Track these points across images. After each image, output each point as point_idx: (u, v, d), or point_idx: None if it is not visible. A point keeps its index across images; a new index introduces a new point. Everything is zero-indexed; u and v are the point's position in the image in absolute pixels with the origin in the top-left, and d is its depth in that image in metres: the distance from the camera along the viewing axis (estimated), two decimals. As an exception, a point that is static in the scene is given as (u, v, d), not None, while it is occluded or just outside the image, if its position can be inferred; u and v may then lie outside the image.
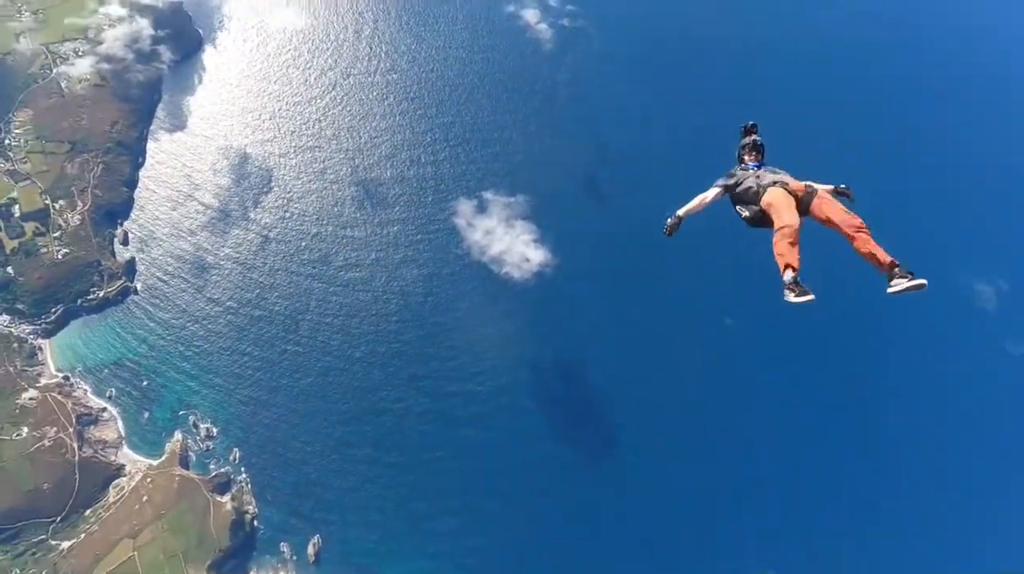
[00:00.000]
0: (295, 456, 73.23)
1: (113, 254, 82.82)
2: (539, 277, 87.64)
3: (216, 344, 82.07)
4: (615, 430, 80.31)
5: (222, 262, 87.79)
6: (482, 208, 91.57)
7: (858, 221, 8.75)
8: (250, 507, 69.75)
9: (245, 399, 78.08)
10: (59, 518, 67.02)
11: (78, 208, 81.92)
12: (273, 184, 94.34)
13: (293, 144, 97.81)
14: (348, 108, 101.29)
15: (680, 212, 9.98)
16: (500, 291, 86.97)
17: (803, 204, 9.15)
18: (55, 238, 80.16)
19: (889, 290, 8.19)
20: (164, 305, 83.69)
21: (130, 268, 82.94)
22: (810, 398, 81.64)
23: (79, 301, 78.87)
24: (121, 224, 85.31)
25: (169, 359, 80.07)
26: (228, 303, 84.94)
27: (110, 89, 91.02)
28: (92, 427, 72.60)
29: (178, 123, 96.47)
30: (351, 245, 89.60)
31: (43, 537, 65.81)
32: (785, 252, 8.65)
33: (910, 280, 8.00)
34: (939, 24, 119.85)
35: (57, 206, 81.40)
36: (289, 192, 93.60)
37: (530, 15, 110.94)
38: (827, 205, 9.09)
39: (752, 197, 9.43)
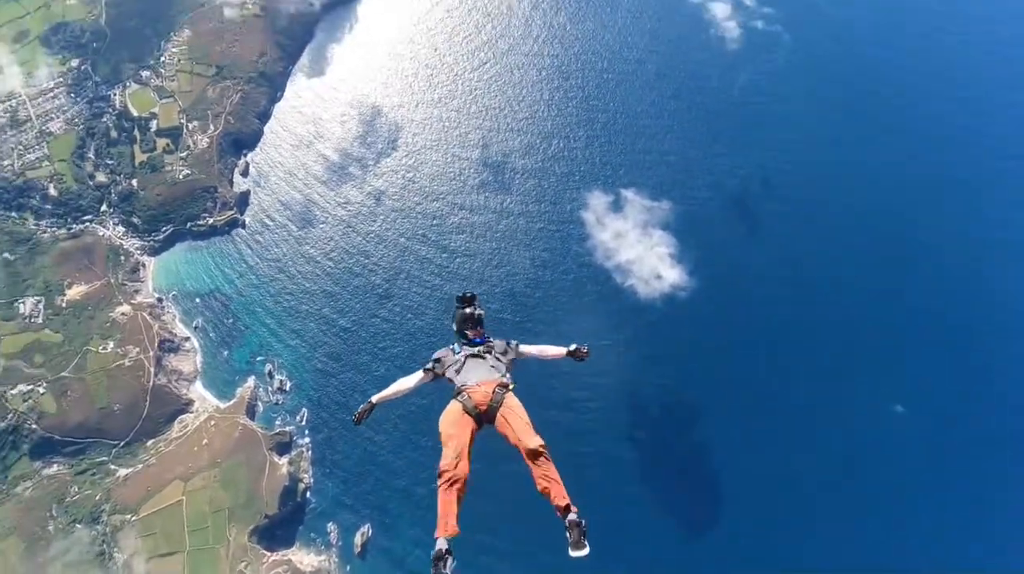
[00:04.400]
0: (364, 434, 74.03)
1: (231, 183, 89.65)
2: (669, 301, 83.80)
3: (304, 303, 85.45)
4: (720, 506, 74.46)
5: (329, 218, 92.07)
6: (617, 206, 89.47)
7: (539, 448, 8.38)
8: (305, 476, 71.05)
9: (323, 366, 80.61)
10: (122, 443, 71.76)
11: (209, 131, 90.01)
12: (399, 149, 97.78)
13: (430, 113, 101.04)
14: (500, 86, 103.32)
15: (374, 398, 9.77)
16: (619, 307, 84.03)
17: (488, 417, 8.93)
18: (181, 158, 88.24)
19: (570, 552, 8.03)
20: (262, 251, 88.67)
21: (243, 200, 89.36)
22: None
23: (188, 224, 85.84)
24: (245, 155, 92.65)
25: (254, 306, 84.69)
26: (326, 264, 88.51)
27: (265, 21, 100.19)
28: (172, 355, 77.82)
29: (319, 68, 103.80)
30: (468, 230, 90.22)
31: (105, 459, 70.58)
32: (441, 507, 8.08)
33: (576, 549, 7.93)
34: None
35: (191, 126, 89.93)
36: (414, 161, 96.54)
37: (719, 9, 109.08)
38: (507, 423, 8.78)
39: (471, 411, 9.05)
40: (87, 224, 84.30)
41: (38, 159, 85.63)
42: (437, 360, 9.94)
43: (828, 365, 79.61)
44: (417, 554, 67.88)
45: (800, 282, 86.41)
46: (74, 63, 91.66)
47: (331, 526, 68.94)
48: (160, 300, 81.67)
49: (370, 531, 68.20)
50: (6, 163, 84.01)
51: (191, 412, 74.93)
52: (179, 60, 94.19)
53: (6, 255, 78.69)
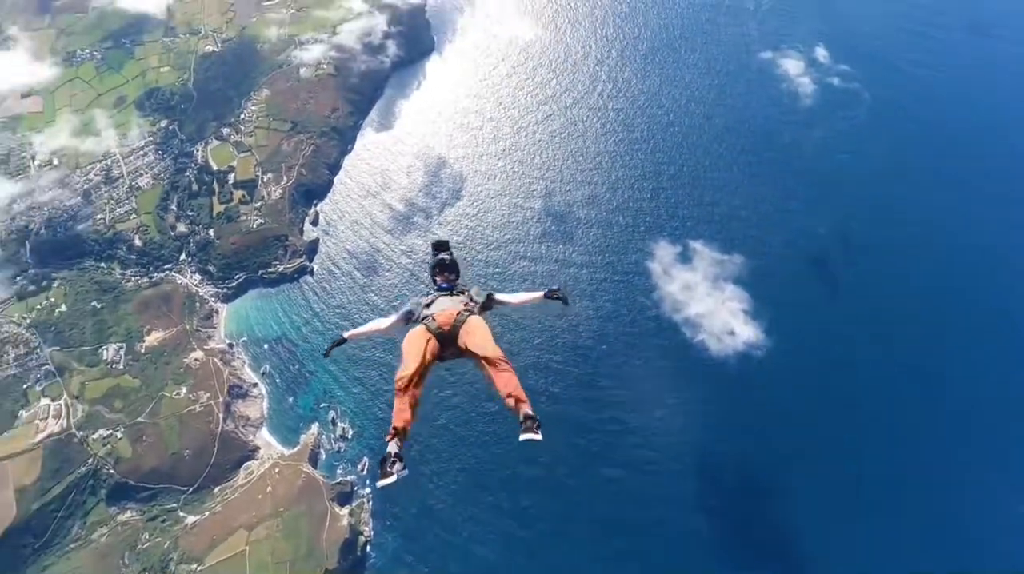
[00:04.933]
0: (425, 486, 74.08)
1: (301, 232, 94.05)
2: (743, 359, 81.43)
3: (366, 351, 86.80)
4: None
5: (393, 266, 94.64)
6: (685, 258, 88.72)
7: (498, 355, 9.25)
8: (366, 529, 71.14)
9: (384, 414, 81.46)
10: (191, 489, 73.88)
11: (282, 183, 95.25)
12: (463, 199, 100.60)
13: (494, 165, 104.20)
14: (564, 138, 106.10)
15: (347, 334, 10.80)
16: (689, 363, 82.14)
17: (452, 338, 9.80)
18: (255, 208, 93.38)
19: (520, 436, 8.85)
20: (328, 298, 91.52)
21: (312, 248, 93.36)
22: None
23: (260, 272, 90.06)
24: (316, 205, 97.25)
25: (319, 352, 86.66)
26: (388, 311, 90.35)
27: (338, 79, 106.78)
28: (240, 401, 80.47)
29: (387, 122, 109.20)
30: (529, 279, 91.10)
31: (174, 506, 72.59)
32: (395, 409, 9.27)
33: (526, 433, 8.67)
34: None
35: (265, 179, 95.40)
36: (477, 211, 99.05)
37: (791, 66, 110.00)
38: (470, 336, 9.73)
39: (435, 331, 9.91)
40: (167, 272, 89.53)
41: (126, 212, 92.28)
42: (414, 303, 10.77)
43: (925, 440, 75.07)
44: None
45: (887, 348, 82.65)
46: (163, 123, 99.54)
47: (391, 583, 68.50)
48: (231, 346, 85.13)
49: (429, 591, 67.28)
50: (99, 217, 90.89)
51: (256, 459, 76.75)
52: (257, 117, 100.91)
53: (94, 303, 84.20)
